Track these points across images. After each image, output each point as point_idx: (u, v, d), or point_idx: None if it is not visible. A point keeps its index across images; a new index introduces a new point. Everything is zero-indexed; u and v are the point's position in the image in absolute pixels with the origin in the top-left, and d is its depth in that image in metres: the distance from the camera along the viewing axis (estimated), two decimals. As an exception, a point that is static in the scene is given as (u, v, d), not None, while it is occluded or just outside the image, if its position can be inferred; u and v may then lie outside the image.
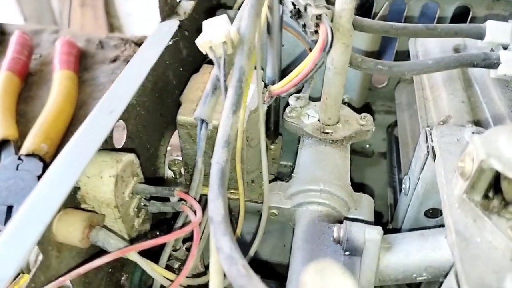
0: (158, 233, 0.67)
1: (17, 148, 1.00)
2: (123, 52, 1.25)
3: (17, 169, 0.95)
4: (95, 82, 1.18)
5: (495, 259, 0.41)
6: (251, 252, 0.63)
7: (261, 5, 0.50)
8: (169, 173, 0.78)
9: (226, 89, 0.50)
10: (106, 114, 0.55)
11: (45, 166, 0.96)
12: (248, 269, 0.35)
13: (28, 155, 0.97)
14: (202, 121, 0.56)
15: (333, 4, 0.54)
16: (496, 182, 0.43)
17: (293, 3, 0.54)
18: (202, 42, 0.50)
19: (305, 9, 0.52)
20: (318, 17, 0.52)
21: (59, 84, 1.11)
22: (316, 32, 0.53)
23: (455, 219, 0.45)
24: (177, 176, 0.77)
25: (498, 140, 0.41)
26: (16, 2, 2.67)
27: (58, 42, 1.23)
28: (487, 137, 0.42)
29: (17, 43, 1.24)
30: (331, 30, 0.51)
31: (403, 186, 0.65)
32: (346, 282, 0.28)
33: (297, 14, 0.55)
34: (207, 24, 0.51)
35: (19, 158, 0.97)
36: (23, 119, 1.12)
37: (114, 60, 1.24)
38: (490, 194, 0.44)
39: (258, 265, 0.83)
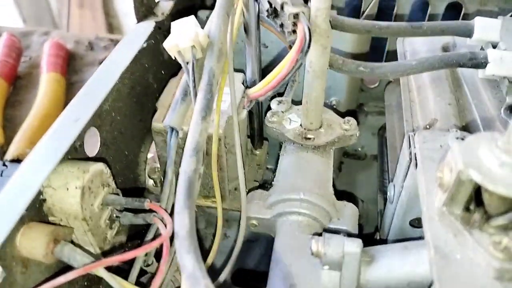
0: (138, 242, 0.65)
1: (2, 154, 0.99)
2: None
3: (1, 175, 0.94)
4: (83, 85, 1.16)
5: (477, 278, 0.39)
6: (227, 267, 0.60)
7: (230, 6, 0.48)
8: (150, 182, 0.76)
9: (196, 94, 0.48)
10: (72, 122, 0.53)
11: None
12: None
13: (12, 160, 0.96)
14: (172, 129, 0.53)
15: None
16: (477, 194, 0.41)
17: (269, 2, 0.52)
18: (169, 46, 0.48)
19: (282, 7, 0.50)
20: (296, 16, 0.49)
21: (46, 87, 1.10)
22: (294, 32, 0.50)
23: (435, 234, 0.42)
24: (158, 185, 0.75)
25: (478, 149, 0.39)
26: (14, 4, 2.66)
27: (47, 44, 1.21)
28: (466, 145, 0.39)
29: (5, 45, 1.22)
30: (309, 30, 0.48)
31: (388, 194, 0.63)
32: None
33: (274, 13, 0.52)
34: (174, 26, 0.49)
35: (4, 164, 0.95)
36: (11, 124, 1.10)
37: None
38: (472, 207, 0.41)
39: (245, 275, 0.81)
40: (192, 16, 0.49)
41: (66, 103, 1.16)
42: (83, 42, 1.28)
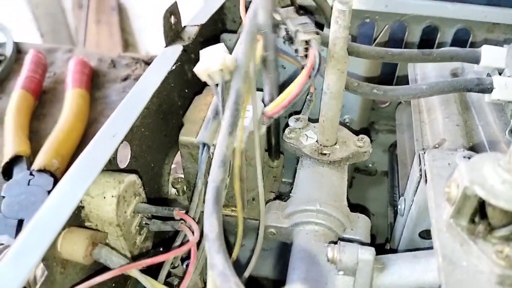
0: (161, 249, 0.69)
1: (29, 164, 1.03)
2: (134, 71, 1.28)
3: (28, 184, 0.98)
4: (106, 100, 1.21)
5: (481, 283, 0.42)
6: (247, 272, 0.64)
7: (255, 33, 0.53)
8: (173, 191, 0.80)
9: (223, 112, 0.52)
10: (109, 137, 0.57)
11: (56, 182, 0.99)
12: (240, 286, 0.36)
13: (39, 170, 1.00)
14: (204, 144, 0.58)
15: (323, 28, 0.56)
16: (482, 208, 0.44)
17: (286, 30, 0.57)
18: (200, 71, 0.53)
19: (295, 35, 0.55)
20: (307, 42, 0.54)
21: (71, 102, 1.15)
22: (307, 56, 0.55)
23: (443, 243, 0.46)
24: (180, 194, 0.79)
25: (483, 167, 0.43)
26: (33, 19, 2.75)
27: (72, 61, 1.27)
28: (472, 164, 0.43)
29: (32, 62, 1.28)
30: (319, 55, 0.53)
31: (399, 207, 0.66)
32: None
33: (290, 39, 0.57)
34: (204, 53, 0.53)
35: (31, 174, 1.00)
36: (36, 136, 1.15)
37: (125, 79, 1.27)
38: (476, 219, 0.45)
39: (258, 282, 0.84)
40: (222, 43, 0.53)
41: (89, 117, 1.21)
42: (106, 60, 1.34)
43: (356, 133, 0.74)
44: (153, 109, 0.68)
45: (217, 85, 0.53)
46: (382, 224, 0.90)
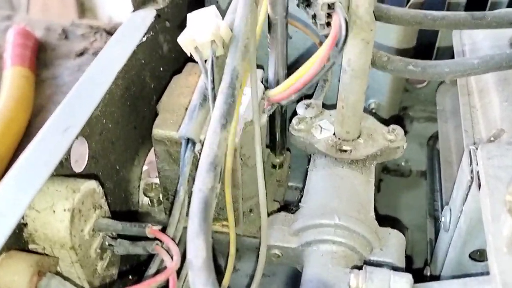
0: (130, 278, 0.68)
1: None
2: (92, 44, 1.27)
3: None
4: (56, 82, 1.20)
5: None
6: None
7: (259, -7, 0.52)
8: (145, 200, 0.79)
9: (215, 98, 0.51)
10: (60, 131, 0.56)
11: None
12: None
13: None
14: (188, 140, 0.57)
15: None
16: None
17: (301, -13, 0.55)
18: (185, 41, 0.52)
19: (315, -5, 0.53)
20: (331, 6, 0.52)
21: (11, 84, 1.13)
22: (328, 24, 0.53)
23: (503, 268, 0.45)
24: (155, 204, 0.78)
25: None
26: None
27: (11, 31, 1.25)
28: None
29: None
30: (346, 23, 0.52)
31: (443, 219, 0.66)
32: None
33: (306, 1, 0.56)
34: (191, 18, 0.52)
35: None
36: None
37: (81, 54, 1.26)
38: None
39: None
40: (213, 6, 0.52)
41: (35, 104, 1.20)
42: (56, 29, 1.32)
43: (385, 122, 0.74)
44: (118, 94, 0.66)
45: (206, 61, 0.52)
46: (419, 241, 0.89)
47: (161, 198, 0.76)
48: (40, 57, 1.29)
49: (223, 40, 0.52)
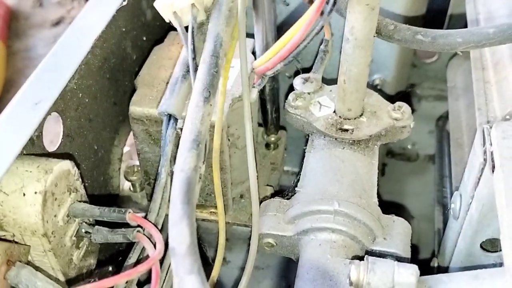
0: (109, 269, 0.68)
1: None
2: (70, 12, 1.26)
3: None
4: (30, 54, 1.19)
5: None
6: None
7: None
8: (126, 185, 0.79)
9: (196, 69, 0.50)
10: (31, 105, 0.55)
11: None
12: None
13: None
14: (169, 117, 0.56)
15: None
16: None
17: None
18: (163, 6, 0.51)
19: None
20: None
21: (-21, 57, 1.12)
22: None
23: (518, 258, 0.45)
24: (137, 189, 0.78)
25: None
26: None
27: (-21, -3, 1.24)
28: None
29: None
30: None
31: (452, 206, 0.65)
32: None
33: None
34: (170, -21, 0.51)
35: None
36: None
37: (56, 23, 1.24)
38: None
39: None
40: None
41: (6, 78, 1.19)
42: (29, -5, 1.31)
43: (391, 99, 0.73)
44: (95, 65, 0.66)
45: (186, 28, 0.51)
46: (427, 230, 0.89)
47: (143, 183, 0.76)
48: (12, 27, 1.27)
49: (205, 4, 0.52)
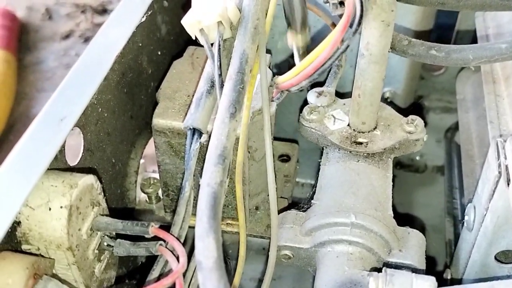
0: (132, 282, 0.68)
1: None
2: (79, 25, 1.26)
3: None
4: (41, 67, 1.19)
5: None
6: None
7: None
8: (142, 196, 0.79)
9: (222, 85, 0.51)
10: (56, 121, 0.56)
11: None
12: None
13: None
14: (194, 131, 0.57)
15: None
16: None
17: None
18: (190, 24, 0.52)
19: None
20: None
21: (-8, 69, 1.13)
22: (342, 4, 0.54)
23: (536, 270, 0.46)
24: (153, 201, 0.78)
25: None
26: None
27: (-10, 11, 1.24)
28: None
29: None
30: (361, 1, 0.52)
31: (466, 218, 0.66)
32: None
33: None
34: (197, -3, 0.53)
35: None
36: None
37: (66, 36, 1.25)
38: None
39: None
40: (220, -17, 0.52)
41: (17, 91, 1.19)
42: (38, 8, 1.31)
43: (401, 112, 0.74)
44: (114, 80, 0.66)
45: (212, 45, 0.52)
46: (436, 241, 0.89)
47: (159, 195, 0.76)
48: (22, 40, 1.28)
49: (231, 22, 0.52)
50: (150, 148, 0.77)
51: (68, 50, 1.24)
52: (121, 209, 0.74)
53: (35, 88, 1.17)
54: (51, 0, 1.37)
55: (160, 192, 0.76)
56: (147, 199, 0.78)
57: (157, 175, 0.77)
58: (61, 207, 0.53)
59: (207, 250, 0.40)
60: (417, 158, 1.04)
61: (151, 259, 0.59)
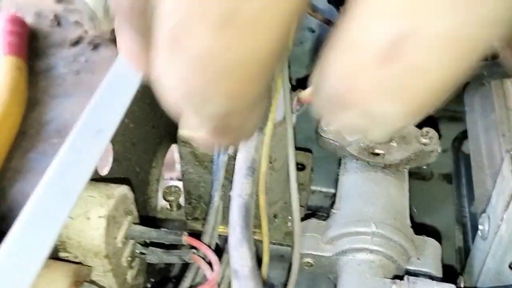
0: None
1: None
2: (88, 32, 1.26)
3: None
4: (51, 74, 1.19)
5: None
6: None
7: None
8: (162, 204, 0.81)
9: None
10: (93, 133, 0.58)
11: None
12: None
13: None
14: (224, 143, 0.59)
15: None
16: None
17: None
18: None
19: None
20: None
21: (4, 75, 1.13)
22: None
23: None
24: (174, 208, 0.80)
25: None
26: None
27: (1, 17, 1.24)
28: None
29: None
30: None
31: (480, 227, 0.69)
32: None
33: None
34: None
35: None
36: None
37: (75, 43, 1.25)
38: None
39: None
40: None
41: (29, 97, 1.19)
42: (47, 14, 1.32)
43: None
44: (140, 92, 0.68)
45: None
46: (444, 249, 0.91)
47: (180, 203, 0.79)
48: (31, 46, 1.28)
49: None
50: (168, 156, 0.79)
51: (78, 56, 1.25)
52: (144, 216, 0.76)
53: (47, 94, 1.18)
54: (59, 6, 1.38)
55: (181, 199, 0.78)
56: (169, 207, 0.80)
57: (176, 183, 0.79)
58: (99, 217, 0.55)
59: (242, 259, 0.43)
60: (424, 166, 1.07)
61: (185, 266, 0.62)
